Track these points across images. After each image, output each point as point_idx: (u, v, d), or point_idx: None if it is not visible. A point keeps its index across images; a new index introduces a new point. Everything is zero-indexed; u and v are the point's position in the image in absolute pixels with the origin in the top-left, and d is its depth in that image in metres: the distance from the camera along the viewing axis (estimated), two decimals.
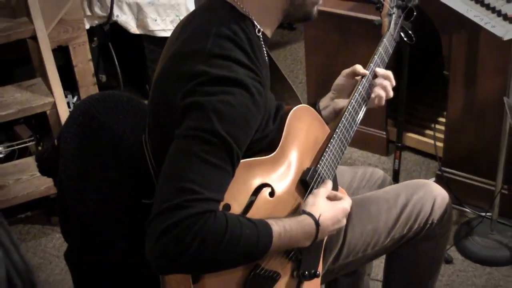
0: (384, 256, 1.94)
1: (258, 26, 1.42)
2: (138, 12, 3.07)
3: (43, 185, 2.61)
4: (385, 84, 1.69)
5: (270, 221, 1.32)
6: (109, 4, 2.99)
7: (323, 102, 1.76)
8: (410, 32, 1.83)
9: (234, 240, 1.23)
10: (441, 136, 2.88)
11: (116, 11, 3.03)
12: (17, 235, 2.78)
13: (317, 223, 1.39)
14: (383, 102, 1.71)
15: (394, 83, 1.71)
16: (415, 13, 1.87)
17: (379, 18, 1.85)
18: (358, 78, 1.70)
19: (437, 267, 1.91)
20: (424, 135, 3.06)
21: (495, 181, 2.48)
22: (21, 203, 2.66)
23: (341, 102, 1.71)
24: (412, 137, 3.06)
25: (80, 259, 1.67)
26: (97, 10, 3.03)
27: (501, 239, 2.55)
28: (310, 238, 1.40)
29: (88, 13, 3.02)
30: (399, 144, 2.71)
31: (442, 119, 2.95)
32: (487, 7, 2.09)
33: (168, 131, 1.32)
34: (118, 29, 3.11)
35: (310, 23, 3.02)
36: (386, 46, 1.75)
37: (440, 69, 2.69)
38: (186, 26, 1.47)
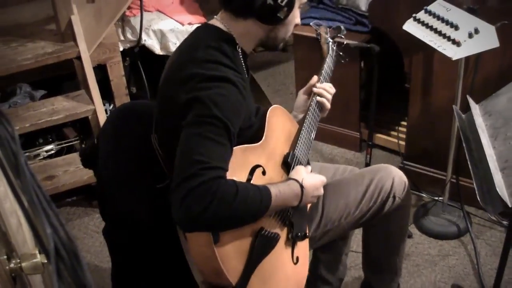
0: (360, 232, 1.94)
1: (239, 44, 1.47)
2: (162, 37, 3.07)
3: (86, 175, 2.62)
4: (324, 93, 1.72)
5: (268, 186, 1.35)
6: (138, 31, 3.00)
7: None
8: (342, 54, 1.93)
9: (243, 199, 1.25)
10: (403, 136, 2.88)
11: (144, 36, 3.03)
12: (65, 215, 2.79)
13: (301, 185, 1.43)
14: (328, 105, 1.72)
15: (331, 92, 1.74)
16: (344, 42, 1.96)
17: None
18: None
19: (405, 232, 1.93)
20: (390, 135, 3.05)
21: (446, 172, 2.48)
22: (68, 189, 2.66)
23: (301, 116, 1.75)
24: (380, 137, 3.06)
25: (115, 234, 1.68)
26: (129, 35, 3.03)
27: (450, 218, 2.55)
28: (297, 198, 1.44)
29: (122, 38, 3.02)
30: (370, 143, 2.72)
31: (404, 123, 2.95)
32: (440, 33, 2.10)
33: (173, 124, 1.35)
34: (146, 51, 3.11)
35: (299, 47, 3.02)
36: (329, 64, 1.83)
37: (402, 83, 2.70)
38: (179, 46, 1.53)
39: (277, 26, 1.47)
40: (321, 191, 1.53)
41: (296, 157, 1.54)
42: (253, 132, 1.46)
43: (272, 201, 1.33)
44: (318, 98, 1.70)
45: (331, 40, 1.89)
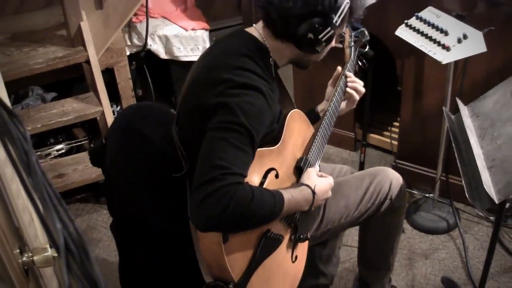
0: (355, 228, 1.94)
1: (272, 57, 1.44)
2: (166, 42, 3.07)
3: (94, 173, 2.61)
4: (355, 86, 1.72)
5: (281, 191, 1.34)
6: (144, 36, 3.00)
7: (321, 107, 1.79)
8: (364, 60, 1.87)
9: (258, 203, 1.24)
10: (396, 136, 2.88)
11: (149, 41, 3.04)
12: (74, 211, 2.79)
13: (313, 191, 1.42)
14: (357, 98, 1.74)
15: (361, 82, 1.74)
16: (367, 46, 1.91)
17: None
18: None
19: (399, 232, 1.93)
20: (383, 135, 3.06)
21: (436, 170, 2.49)
22: (78, 187, 2.66)
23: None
24: (374, 137, 3.06)
25: (122, 229, 1.68)
26: (135, 40, 3.03)
27: (440, 214, 2.56)
28: (308, 203, 1.43)
29: (128, 43, 3.02)
30: (364, 142, 2.72)
31: (397, 124, 2.96)
32: (430, 38, 2.10)
33: (198, 122, 1.34)
34: (151, 55, 3.12)
35: None
36: (349, 69, 1.79)
37: (395, 86, 2.70)
38: (213, 48, 1.49)
39: (312, 53, 1.46)
40: (330, 194, 1.52)
41: (309, 162, 1.52)
42: (272, 137, 1.44)
43: (285, 206, 1.33)
44: (349, 90, 1.71)
45: (353, 44, 1.84)
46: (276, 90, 1.47)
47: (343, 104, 1.76)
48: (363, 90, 1.74)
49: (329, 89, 1.79)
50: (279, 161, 1.43)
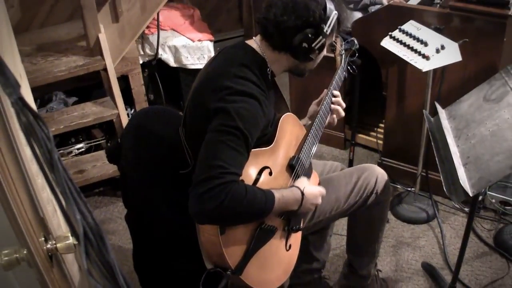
0: (344, 218, 1.94)
1: (269, 67, 1.44)
2: (175, 52, 3.07)
3: (111, 169, 2.62)
4: (337, 108, 1.69)
5: (273, 190, 1.34)
6: (155, 47, 3.00)
7: (303, 122, 1.76)
8: (354, 67, 1.86)
9: (251, 200, 1.24)
10: (381, 136, 2.88)
11: (160, 51, 3.04)
12: (93, 204, 2.79)
13: (302, 193, 1.41)
14: (339, 117, 1.71)
15: (344, 105, 1.71)
16: (357, 54, 1.90)
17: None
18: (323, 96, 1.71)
19: (383, 222, 1.92)
20: (369, 135, 3.06)
21: (417, 166, 2.49)
22: (96, 182, 2.66)
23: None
24: (361, 137, 3.06)
25: (135, 220, 1.68)
26: (148, 50, 3.03)
27: (421, 206, 2.56)
28: (297, 203, 1.42)
29: (141, 52, 3.02)
30: (353, 142, 2.73)
31: (382, 125, 2.95)
32: (412, 49, 2.10)
33: (200, 124, 1.34)
34: (162, 64, 3.12)
35: None
36: (339, 75, 1.78)
37: (380, 91, 2.70)
38: (216, 57, 1.50)
39: (307, 61, 1.46)
40: (319, 201, 1.49)
41: (300, 160, 1.50)
42: (266, 139, 1.44)
43: (275, 204, 1.32)
44: (333, 106, 1.68)
45: (344, 52, 1.84)
46: (271, 98, 1.46)
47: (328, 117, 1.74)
48: (342, 114, 1.70)
49: (312, 107, 1.76)
50: (272, 159, 1.42)
